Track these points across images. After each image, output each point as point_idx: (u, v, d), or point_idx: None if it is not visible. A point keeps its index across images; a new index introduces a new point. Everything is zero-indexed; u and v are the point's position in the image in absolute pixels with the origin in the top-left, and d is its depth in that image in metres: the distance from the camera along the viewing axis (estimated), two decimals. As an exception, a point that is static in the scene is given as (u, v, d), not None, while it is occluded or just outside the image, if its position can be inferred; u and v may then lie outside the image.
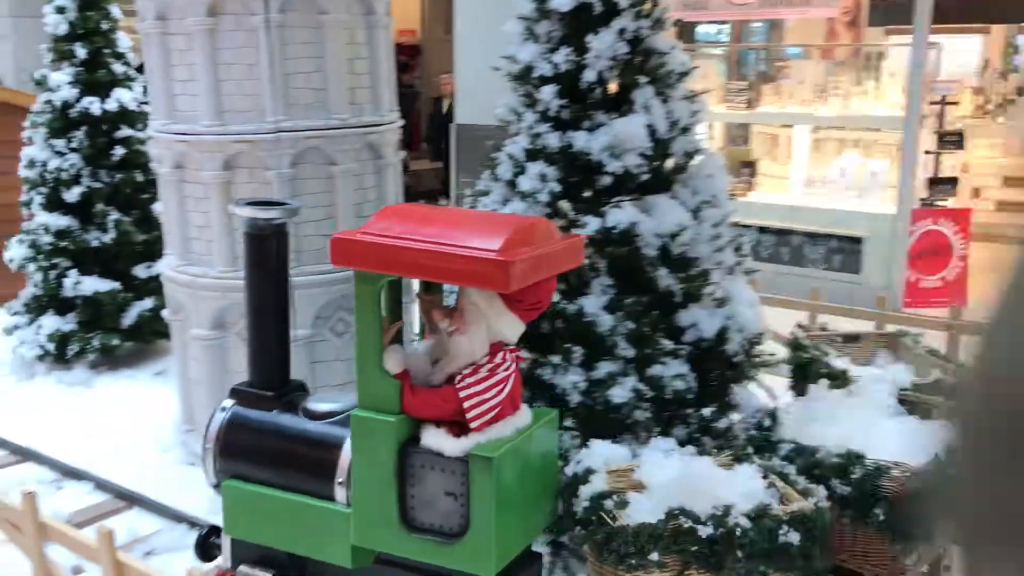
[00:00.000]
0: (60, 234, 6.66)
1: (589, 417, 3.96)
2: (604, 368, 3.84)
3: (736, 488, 3.24)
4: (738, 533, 3.02)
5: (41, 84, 6.72)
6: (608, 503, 3.18)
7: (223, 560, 3.69)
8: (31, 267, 6.72)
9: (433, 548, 3.18)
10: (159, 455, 5.53)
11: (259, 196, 4.96)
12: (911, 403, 4.10)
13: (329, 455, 3.34)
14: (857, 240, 9.18)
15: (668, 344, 3.95)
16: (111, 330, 6.74)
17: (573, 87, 3.97)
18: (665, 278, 3.97)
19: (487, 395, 3.11)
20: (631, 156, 3.90)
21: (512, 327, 3.20)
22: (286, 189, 4.97)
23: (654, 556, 3.03)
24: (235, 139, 4.92)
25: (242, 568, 3.64)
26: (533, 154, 4.05)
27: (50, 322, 6.69)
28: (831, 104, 9.52)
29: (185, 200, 5.20)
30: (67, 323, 6.71)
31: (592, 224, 3.85)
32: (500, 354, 3.17)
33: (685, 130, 4.12)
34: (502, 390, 3.15)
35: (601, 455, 3.46)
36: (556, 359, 3.84)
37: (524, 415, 3.31)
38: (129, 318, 6.78)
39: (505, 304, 3.14)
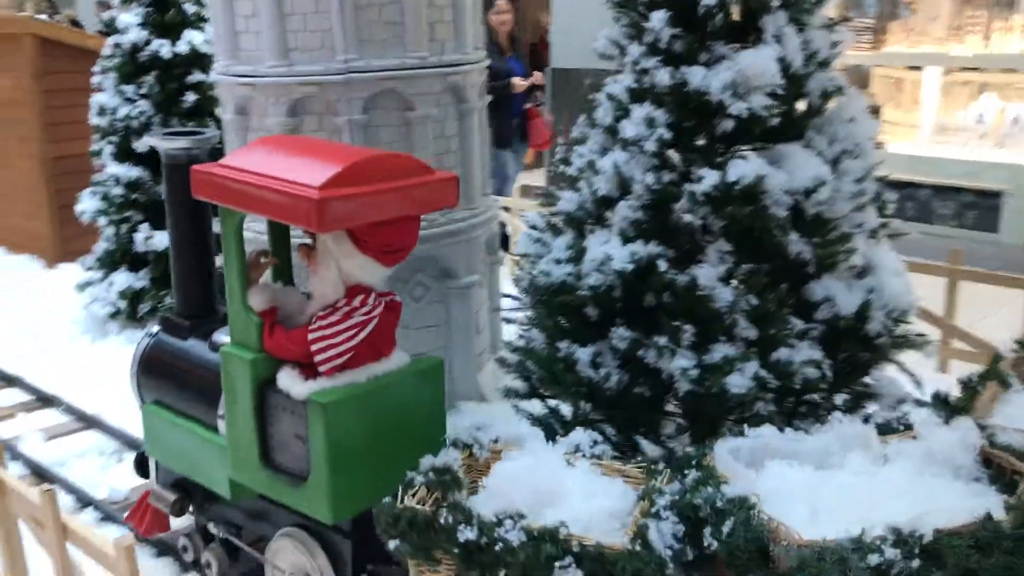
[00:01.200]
0: (131, 186, 6.30)
1: (700, 409, 3.37)
2: (720, 351, 3.23)
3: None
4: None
5: (110, 27, 6.34)
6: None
7: (151, 480, 3.88)
8: (102, 220, 6.40)
9: (287, 489, 3.18)
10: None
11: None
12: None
13: (217, 387, 3.33)
14: (995, 194, 8.24)
15: (798, 323, 3.30)
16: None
17: (688, 13, 3.31)
18: (796, 244, 3.31)
19: (336, 339, 3.02)
20: (758, 96, 3.23)
21: (366, 270, 3.09)
22: (358, 137, 4.45)
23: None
24: (301, 81, 4.41)
25: (155, 487, 3.82)
26: (639, 94, 3.41)
27: (122, 278, 6.37)
28: (968, 43, 8.53)
29: (250, 150, 4.73)
30: (139, 280, 6.39)
31: (709, 178, 3.20)
32: (360, 297, 3.07)
33: (823, 65, 3.43)
34: (355, 334, 3.04)
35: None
36: (662, 340, 3.24)
37: (392, 363, 3.20)
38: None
39: (356, 246, 3.03)
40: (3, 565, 3.15)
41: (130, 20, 6.23)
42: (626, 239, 3.39)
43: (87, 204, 6.46)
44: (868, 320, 3.38)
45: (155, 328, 3.84)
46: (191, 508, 3.74)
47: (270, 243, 3.59)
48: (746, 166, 3.20)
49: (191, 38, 6.32)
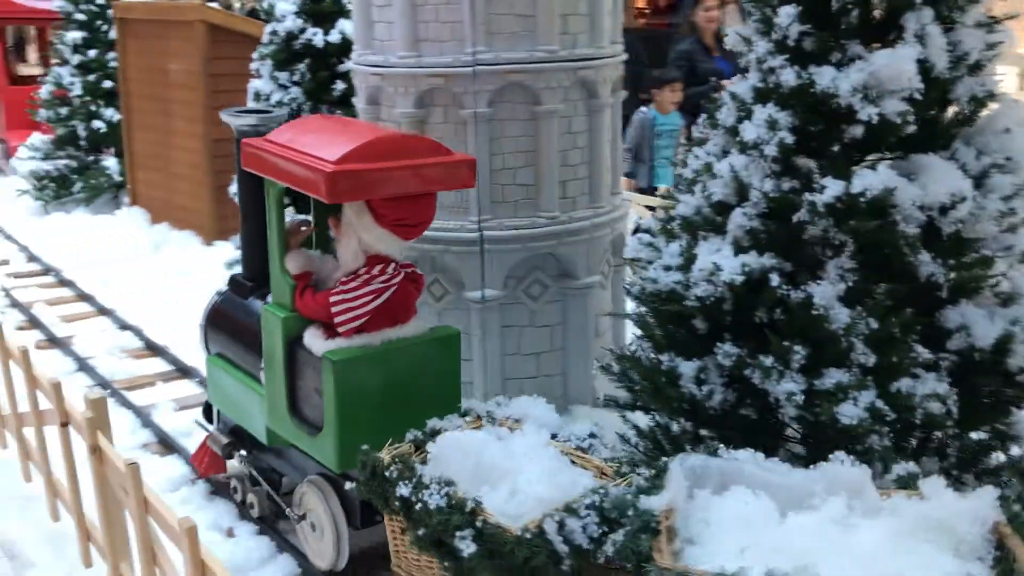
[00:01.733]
0: (279, 170, 6.49)
1: (809, 434, 3.11)
2: (833, 376, 2.97)
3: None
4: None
5: (268, 14, 6.55)
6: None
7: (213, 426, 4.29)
8: (251, 202, 6.62)
9: (307, 438, 3.47)
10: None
11: (449, 137, 4.42)
12: None
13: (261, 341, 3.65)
14: None
15: (924, 352, 3.00)
16: (323, 271, 6.54)
17: (821, 9, 3.06)
18: (928, 264, 3.01)
19: (355, 303, 3.32)
20: (892, 101, 2.94)
21: (383, 241, 3.38)
22: (483, 131, 4.38)
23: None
24: (428, 72, 4.38)
25: (214, 432, 4.20)
26: (763, 94, 3.18)
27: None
28: None
29: (379, 139, 4.75)
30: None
31: (832, 188, 2.95)
32: (379, 267, 3.37)
33: (975, 68, 3.09)
34: (372, 300, 3.34)
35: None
36: (769, 360, 3.01)
37: (408, 330, 3.47)
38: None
39: (374, 219, 3.32)
40: (102, 525, 3.28)
41: (287, 8, 6.42)
42: (739, 249, 3.17)
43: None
44: (1009, 354, 3.03)
45: (224, 288, 4.23)
46: (242, 453, 4.11)
47: (314, 214, 3.93)
48: (873, 177, 2.92)
49: (344, 27, 6.44)
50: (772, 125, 3.08)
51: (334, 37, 6.42)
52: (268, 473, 4.02)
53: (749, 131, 3.15)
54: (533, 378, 4.74)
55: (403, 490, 2.89)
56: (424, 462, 3.04)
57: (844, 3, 2.99)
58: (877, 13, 3.06)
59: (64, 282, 7.56)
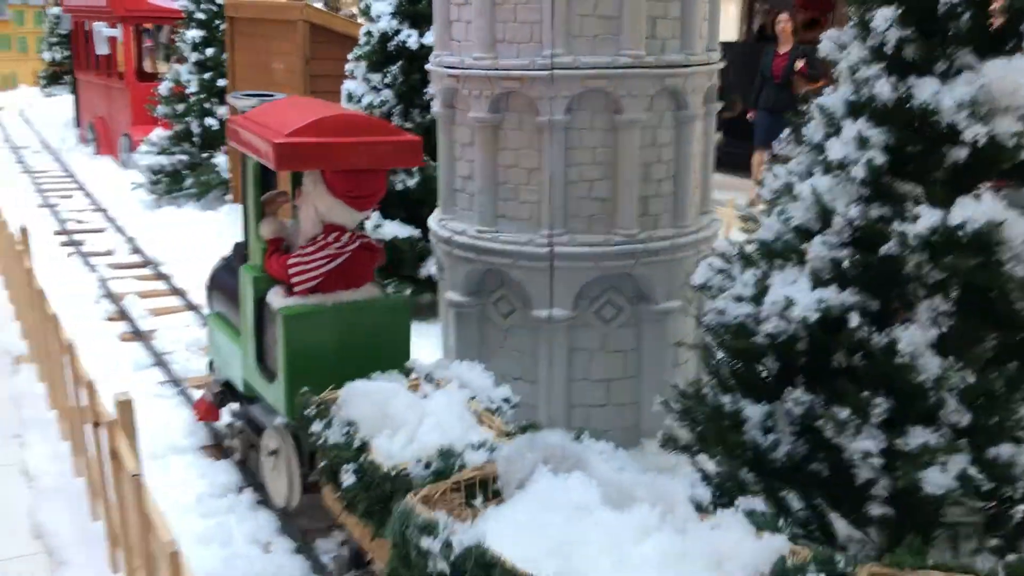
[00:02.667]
0: (367, 173, 6.36)
1: (893, 498, 2.70)
2: (918, 436, 2.57)
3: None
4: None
5: (366, 14, 6.44)
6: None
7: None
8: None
9: (268, 387, 3.84)
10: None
11: (524, 145, 4.16)
12: None
13: None
14: None
15: (1030, 415, 2.56)
16: (406, 278, 6.37)
17: (925, 13, 2.66)
18: (1041, 312, 2.57)
19: (309, 265, 3.67)
20: (1006, 119, 2.53)
21: (336, 210, 3.72)
22: (558, 139, 4.10)
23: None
24: (504, 75, 4.13)
25: (213, 382, 4.60)
26: (856, 108, 2.80)
27: (349, 263, 6.45)
28: None
29: (453, 145, 4.53)
30: (366, 266, 6.45)
31: (927, 218, 2.55)
32: (335, 234, 3.72)
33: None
34: (325, 264, 3.68)
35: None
36: (844, 412, 2.62)
37: (361, 294, 3.79)
38: (427, 268, 6.36)
39: (326, 189, 3.68)
40: (121, 532, 3.15)
41: (383, 8, 6.29)
42: (818, 282, 2.80)
43: (329, 187, 6.61)
44: None
45: (228, 253, 4.60)
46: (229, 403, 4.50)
47: (291, 185, 4.22)
48: (976, 207, 2.51)
49: (439, 30, 6.26)
50: (862, 143, 2.70)
51: (429, 39, 6.24)
52: (249, 422, 4.31)
53: (836, 149, 2.78)
54: (602, 406, 4.43)
55: (316, 427, 3.24)
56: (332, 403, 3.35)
57: (951, 5, 2.58)
58: (994, 18, 2.64)
59: (160, 275, 7.65)
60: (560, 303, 4.23)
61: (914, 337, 2.60)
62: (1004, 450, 2.54)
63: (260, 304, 3.87)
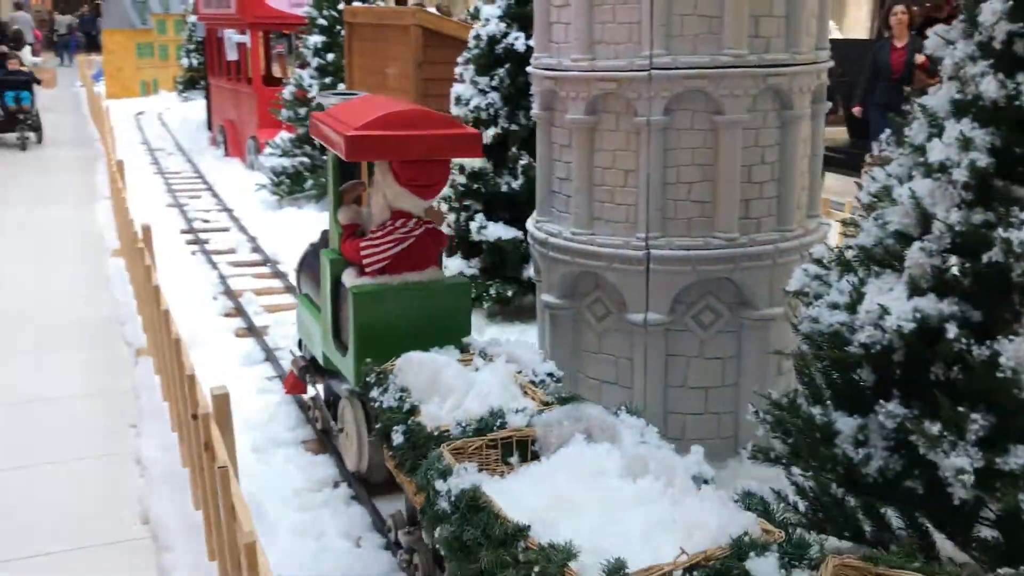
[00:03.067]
0: (473, 176, 6.42)
1: (993, 524, 2.55)
2: (1020, 456, 2.40)
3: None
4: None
5: (475, 17, 6.48)
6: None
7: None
8: (444, 207, 6.60)
9: (343, 361, 4.17)
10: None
11: (620, 147, 4.11)
12: None
13: None
14: None
15: None
16: (509, 279, 6.40)
17: (1040, 2, 2.49)
18: None
19: (379, 247, 4.00)
20: None
21: (403, 198, 4.04)
22: (656, 140, 4.04)
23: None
24: (601, 76, 4.09)
25: (299, 357, 5.04)
26: (961, 108, 2.65)
27: (454, 264, 6.53)
28: None
29: (551, 147, 4.51)
30: (471, 267, 6.51)
31: (1035, 225, 2.39)
32: (402, 220, 4.04)
33: None
34: (393, 247, 4.01)
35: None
36: (935, 427, 2.48)
37: (425, 276, 4.10)
38: (530, 270, 6.36)
39: (394, 179, 4.00)
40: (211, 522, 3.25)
41: (492, 11, 6.32)
42: (915, 290, 2.66)
43: (437, 189, 6.69)
44: None
45: (316, 240, 4.89)
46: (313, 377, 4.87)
47: (367, 176, 4.61)
48: (1090, 214, 2.34)
49: (547, 32, 6.25)
50: (965, 144, 2.55)
51: (536, 41, 6.25)
52: (328, 393, 4.70)
53: (937, 151, 2.63)
54: (699, 415, 4.33)
55: (374, 393, 3.50)
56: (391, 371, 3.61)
57: (1068, -5, 2.41)
58: (1114, 9, 2.45)
59: (278, 274, 7.90)
60: (656, 307, 4.15)
61: (1019, 350, 2.44)
62: (1120, 475, 2.36)
63: (337, 284, 4.22)
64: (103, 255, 8.41)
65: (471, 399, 3.30)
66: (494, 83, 6.33)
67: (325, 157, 5.66)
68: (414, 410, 3.31)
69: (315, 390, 5.00)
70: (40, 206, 10.61)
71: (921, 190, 2.68)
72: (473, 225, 6.40)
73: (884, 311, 2.63)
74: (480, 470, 2.82)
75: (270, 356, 5.99)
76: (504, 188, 6.38)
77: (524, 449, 3.06)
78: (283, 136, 11.23)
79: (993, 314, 2.58)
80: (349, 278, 4.08)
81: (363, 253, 4.01)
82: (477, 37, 6.39)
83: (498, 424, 3.11)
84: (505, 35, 6.29)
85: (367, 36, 8.51)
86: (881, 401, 2.70)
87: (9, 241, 9.04)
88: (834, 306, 2.94)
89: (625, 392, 4.33)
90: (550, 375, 3.61)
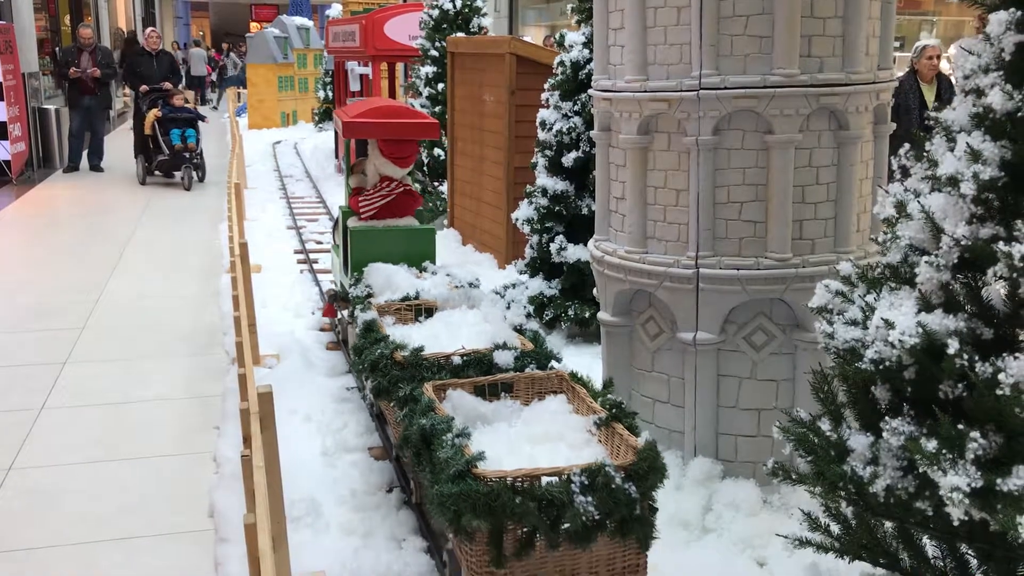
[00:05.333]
0: (555, 198, 6.54)
1: (972, 535, 2.47)
2: (1021, 477, 2.32)
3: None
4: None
5: (561, 44, 6.63)
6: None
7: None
8: (526, 228, 6.73)
9: (346, 279, 5.79)
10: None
11: (672, 166, 4.15)
12: None
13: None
14: None
15: None
16: (588, 301, 6.46)
17: (1050, 12, 2.44)
18: None
19: (370, 201, 5.78)
20: None
21: (386, 168, 5.81)
22: (706, 160, 4.06)
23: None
24: (652, 96, 4.15)
25: (331, 290, 6.67)
26: (977, 120, 2.60)
27: (535, 284, 6.65)
28: None
29: (609, 167, 4.59)
30: (551, 288, 6.61)
31: (1038, 240, 2.32)
32: (386, 183, 5.80)
33: None
34: (380, 201, 5.77)
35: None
36: (932, 444, 2.43)
37: (402, 223, 5.83)
38: (611, 292, 6.41)
39: (380, 153, 5.76)
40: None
41: (576, 38, 6.45)
42: (925, 306, 2.61)
43: (522, 212, 6.86)
44: None
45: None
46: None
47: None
48: (1092, 229, 2.26)
49: (630, 57, 6.33)
50: (974, 157, 2.50)
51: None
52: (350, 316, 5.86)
53: (948, 164, 2.59)
54: (752, 437, 4.29)
55: (352, 289, 5.37)
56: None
57: (1075, 4, 2.35)
58: None
59: (370, 295, 8.21)
60: (706, 327, 4.16)
61: (1021, 368, 2.37)
62: None
63: (346, 228, 5.84)
64: (220, 271, 8.92)
65: (410, 291, 5.08)
66: (576, 108, 6.45)
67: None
68: (370, 295, 5.10)
69: (341, 315, 6.20)
70: (176, 224, 11.33)
71: (933, 204, 2.63)
72: (553, 247, 6.51)
73: (888, 325, 2.60)
74: (395, 322, 4.74)
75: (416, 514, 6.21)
76: (584, 211, 6.46)
77: (432, 313, 4.92)
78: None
79: (1003, 331, 2.50)
80: (352, 223, 5.79)
81: (360, 205, 5.78)
82: (561, 64, 6.53)
83: (415, 297, 5.01)
84: (588, 61, 6.40)
85: (467, 65, 8.79)
86: (886, 418, 2.65)
87: (140, 255, 9.70)
88: (853, 322, 2.90)
89: (677, 411, 4.34)
90: (471, 284, 5.21)
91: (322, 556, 3.91)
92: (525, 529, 3.05)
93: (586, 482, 3.05)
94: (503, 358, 4.02)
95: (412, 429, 3.45)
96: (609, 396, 3.62)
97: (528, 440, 3.46)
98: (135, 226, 11.08)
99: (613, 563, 3.22)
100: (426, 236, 5.74)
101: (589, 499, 3.01)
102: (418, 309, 4.92)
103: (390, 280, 5.17)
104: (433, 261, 5.65)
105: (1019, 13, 2.45)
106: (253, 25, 40.31)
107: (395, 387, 3.91)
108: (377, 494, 4.47)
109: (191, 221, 11.53)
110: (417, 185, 9.09)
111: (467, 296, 4.86)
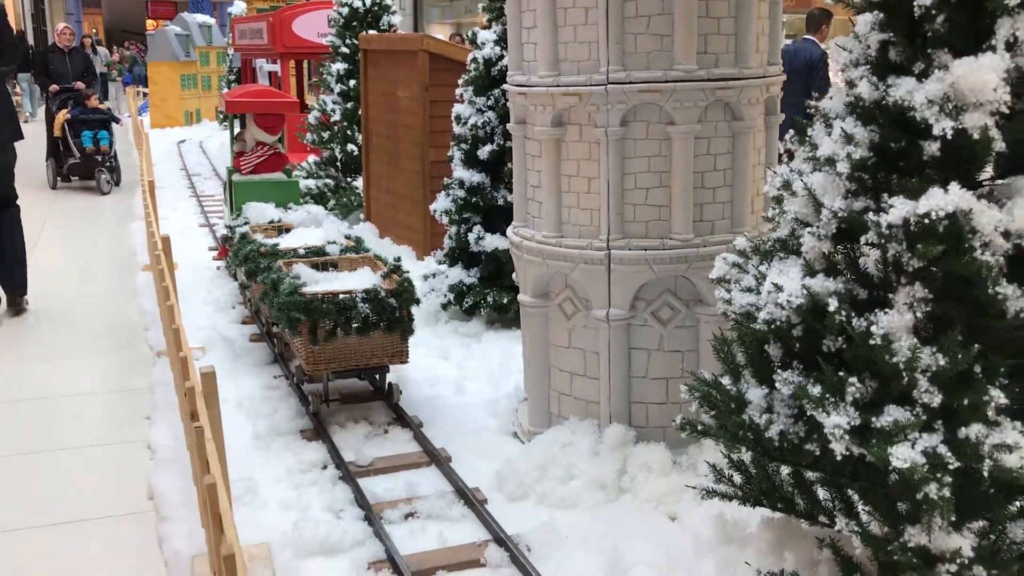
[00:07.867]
0: (472, 190, 6.82)
1: (855, 474, 2.86)
2: (891, 414, 2.71)
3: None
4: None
5: (473, 41, 6.91)
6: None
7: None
8: (444, 220, 6.99)
9: (232, 220, 7.87)
10: (484, 419, 5.38)
11: (584, 156, 4.47)
12: None
13: None
14: None
15: (999, 396, 2.66)
16: (506, 288, 6.76)
17: (904, 16, 2.82)
18: (1016, 300, 2.67)
19: (248, 160, 7.91)
20: (975, 114, 2.66)
21: (260, 135, 7.92)
22: (615, 150, 4.40)
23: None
24: (564, 91, 4.47)
25: (224, 234, 9.00)
26: (850, 108, 2.98)
27: (455, 273, 6.91)
28: None
29: (525, 158, 4.89)
30: (470, 277, 6.88)
31: (899, 208, 2.70)
32: (260, 146, 7.93)
33: (1089, 81, 2.72)
34: (255, 160, 7.88)
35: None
36: (816, 390, 2.80)
37: (272, 177, 7.89)
38: (526, 279, 6.72)
39: (254, 124, 7.90)
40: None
41: (487, 36, 6.74)
42: (811, 271, 2.98)
43: (440, 204, 7.12)
44: (1114, 409, 2.62)
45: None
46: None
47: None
48: (943, 197, 2.65)
49: (540, 54, 6.64)
50: (848, 140, 2.88)
51: (530, 64, 6.64)
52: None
53: (826, 146, 2.96)
54: (661, 404, 4.64)
55: (235, 223, 7.40)
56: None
57: (925, 7, 2.74)
58: (966, 20, 2.78)
59: (247, 222, 8.49)
60: (617, 304, 4.50)
61: (891, 322, 2.75)
62: (974, 431, 2.64)
63: (231, 181, 7.94)
64: (135, 269, 8.93)
65: (276, 219, 7.21)
66: (490, 103, 6.74)
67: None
68: (247, 222, 7.15)
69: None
70: (84, 225, 11.20)
71: (815, 182, 3.01)
72: (471, 236, 6.79)
73: (778, 289, 2.96)
74: (263, 237, 6.61)
75: (277, 358, 6.40)
76: (500, 202, 6.76)
77: (290, 231, 6.78)
78: (311, 159, 11.77)
79: (875, 291, 2.89)
80: (236, 177, 7.88)
81: (241, 164, 7.87)
82: (475, 60, 6.81)
83: (278, 221, 7.12)
84: (500, 58, 6.70)
85: (381, 62, 8.99)
86: (779, 371, 3.02)
87: (53, 256, 9.61)
88: (748, 289, 3.27)
89: (592, 383, 4.67)
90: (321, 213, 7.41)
91: (263, 531, 4.12)
92: (330, 324, 5.04)
93: (366, 297, 5.09)
94: (332, 249, 6.18)
95: (267, 279, 5.48)
96: (393, 263, 5.60)
97: (341, 287, 5.29)
98: (41, 228, 10.93)
99: (386, 348, 5.24)
100: (291, 186, 7.89)
101: (367, 307, 5.06)
102: (279, 229, 6.96)
103: (262, 213, 7.28)
104: (298, 202, 7.76)
105: (881, 15, 2.84)
106: (150, 22, 39.39)
107: (259, 269, 5.88)
108: (312, 471, 4.69)
109: (99, 222, 11.43)
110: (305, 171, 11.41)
111: (315, 219, 7.04)
